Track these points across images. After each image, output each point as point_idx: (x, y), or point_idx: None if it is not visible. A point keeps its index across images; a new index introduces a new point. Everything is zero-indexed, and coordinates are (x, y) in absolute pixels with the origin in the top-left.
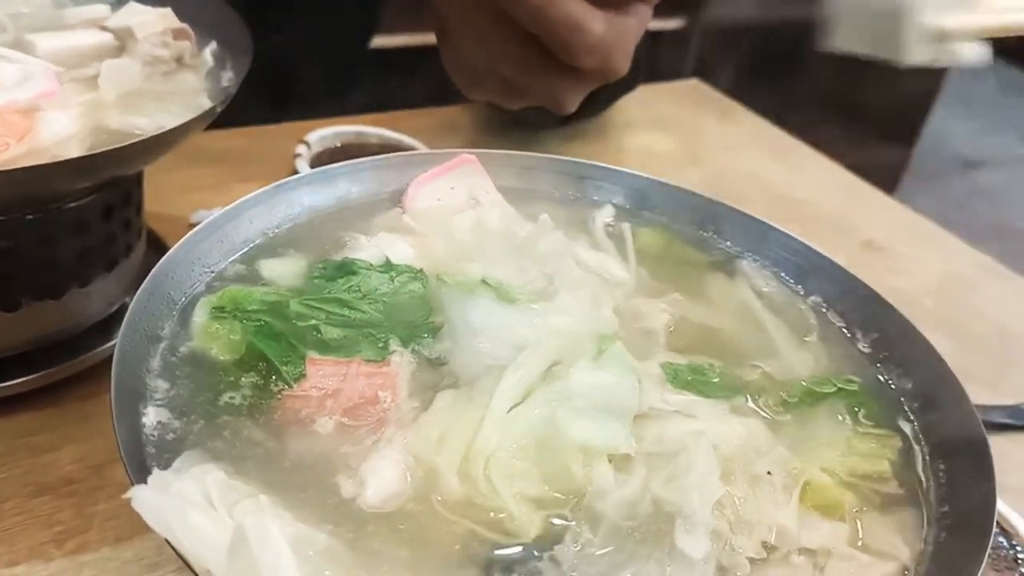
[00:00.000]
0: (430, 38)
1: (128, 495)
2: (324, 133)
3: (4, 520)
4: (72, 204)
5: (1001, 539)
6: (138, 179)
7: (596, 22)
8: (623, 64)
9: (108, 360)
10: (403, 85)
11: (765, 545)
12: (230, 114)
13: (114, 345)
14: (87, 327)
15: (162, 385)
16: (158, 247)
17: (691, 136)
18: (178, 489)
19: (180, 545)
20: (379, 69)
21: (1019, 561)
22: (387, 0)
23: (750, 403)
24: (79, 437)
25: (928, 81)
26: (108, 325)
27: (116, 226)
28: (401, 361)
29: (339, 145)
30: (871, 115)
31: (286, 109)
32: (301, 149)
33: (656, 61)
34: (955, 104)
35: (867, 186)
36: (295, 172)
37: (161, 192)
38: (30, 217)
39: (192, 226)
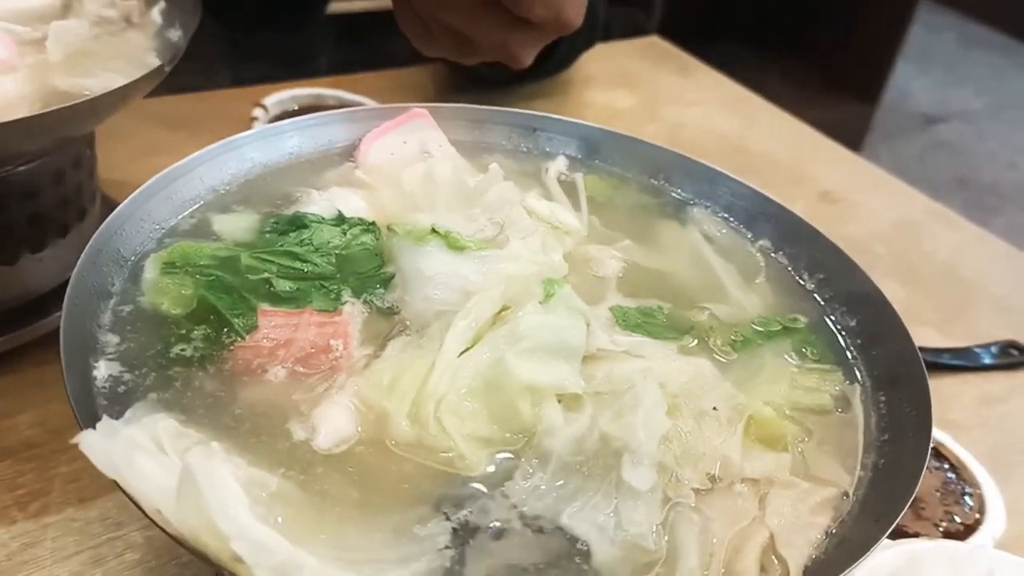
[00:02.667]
0: (386, 2)
1: (76, 439)
2: (281, 96)
3: None
4: (21, 167)
5: (950, 474)
6: (89, 142)
7: None
8: (576, 16)
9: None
10: (361, 49)
11: (710, 476)
12: (187, 79)
13: None
14: (42, 293)
15: (113, 339)
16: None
17: (651, 92)
18: (127, 435)
19: (128, 486)
20: (337, 34)
21: (967, 494)
22: None
23: (698, 343)
24: (38, 402)
25: (889, 36)
26: (63, 291)
27: (68, 190)
28: (353, 311)
29: (296, 108)
30: (833, 72)
31: (243, 75)
32: (258, 112)
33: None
34: (915, 60)
35: (825, 139)
36: None
37: (116, 158)
38: None
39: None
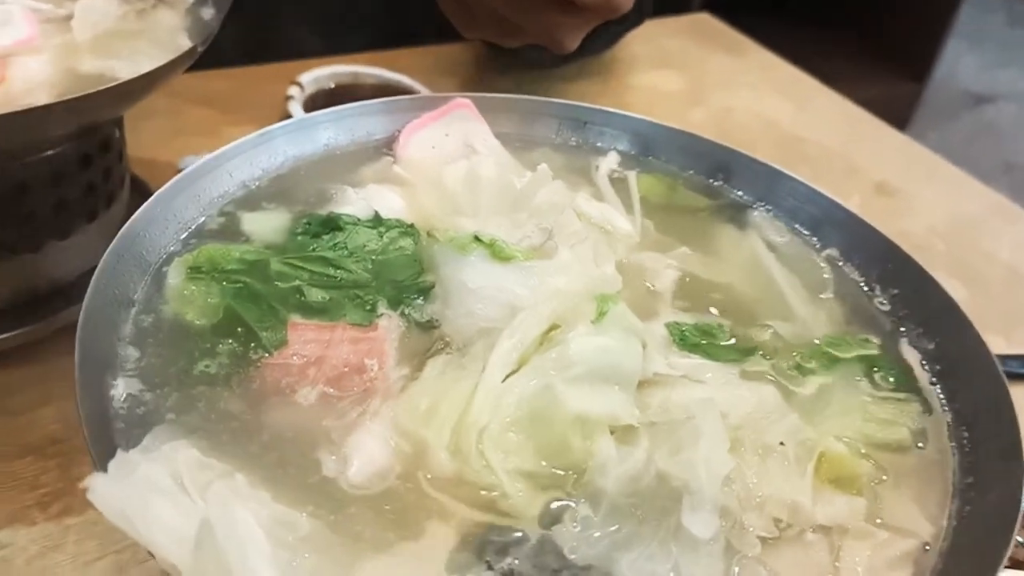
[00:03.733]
0: None
1: (85, 484)
2: (318, 74)
3: None
4: (47, 153)
5: None
6: (117, 125)
7: None
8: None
9: None
10: (402, 23)
11: (777, 522)
12: (218, 54)
13: None
14: (69, 281)
15: (133, 353)
16: (145, 194)
17: (698, 73)
18: (143, 474)
19: (142, 539)
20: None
21: None
22: None
23: (761, 367)
24: (62, 395)
25: (939, 14)
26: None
27: (95, 175)
28: (389, 325)
29: (333, 86)
30: (883, 49)
31: (278, 50)
32: (293, 91)
33: None
34: (965, 38)
35: (878, 122)
36: (287, 115)
37: (146, 138)
38: (2, 168)
39: (180, 172)
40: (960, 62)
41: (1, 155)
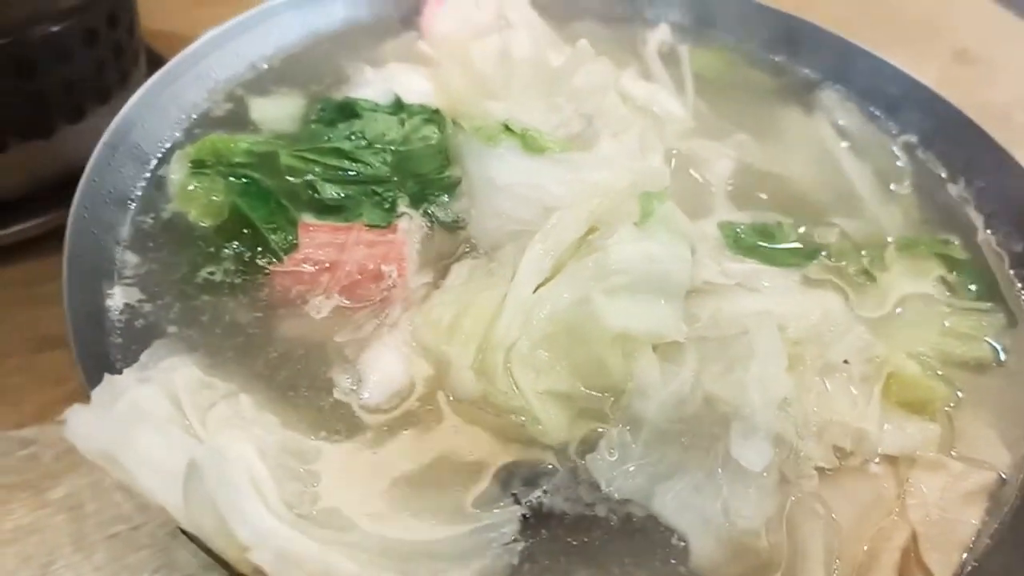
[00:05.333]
0: None
1: (62, 418)
2: None
3: (8, 378)
4: (51, 29)
5: None
6: None
7: None
8: None
9: None
10: None
11: (838, 452)
12: None
13: None
14: (80, 170)
15: (132, 259)
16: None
17: None
18: (132, 401)
19: (127, 480)
20: None
21: None
22: None
23: (826, 273)
24: None
25: None
26: None
27: (104, 52)
28: (410, 226)
29: None
30: None
31: None
32: None
33: None
34: None
35: None
36: None
37: (163, 7)
38: (4, 46)
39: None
40: None
41: (2, 30)
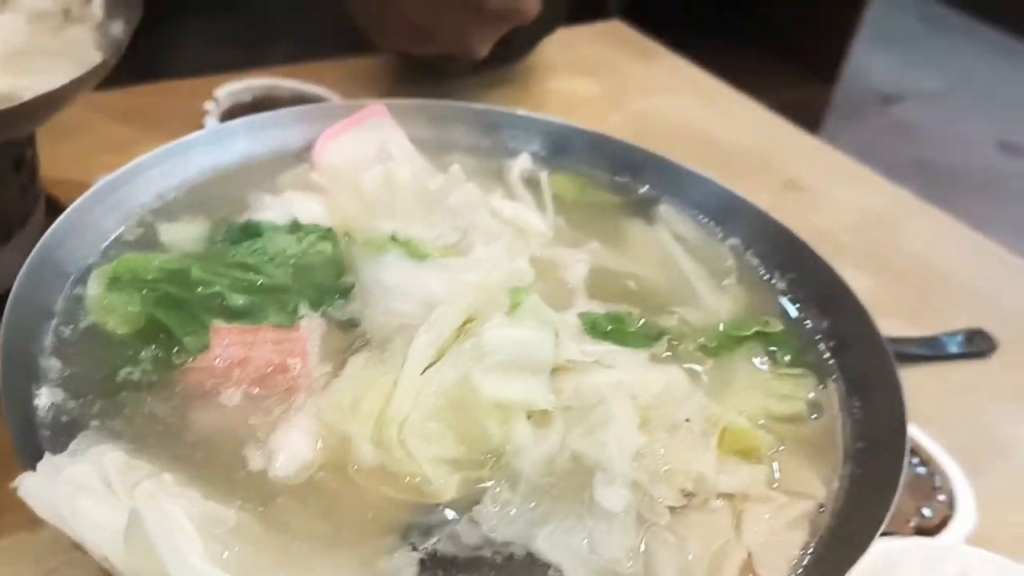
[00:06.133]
0: None
1: (16, 483)
2: (234, 88)
3: None
4: None
5: (920, 468)
6: (30, 142)
7: None
8: (532, 5)
9: None
10: (318, 35)
11: (684, 493)
12: (134, 71)
13: None
14: None
15: (55, 364)
16: (58, 213)
17: (614, 79)
18: (70, 475)
19: (75, 534)
20: (292, 19)
21: (937, 488)
22: None
23: (669, 351)
24: None
25: (847, 14)
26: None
27: (8, 194)
28: (311, 325)
29: (250, 100)
30: (793, 52)
31: (194, 66)
32: (210, 106)
33: (578, 2)
34: (875, 38)
35: (789, 126)
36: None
37: (61, 156)
38: None
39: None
40: (871, 62)
41: None
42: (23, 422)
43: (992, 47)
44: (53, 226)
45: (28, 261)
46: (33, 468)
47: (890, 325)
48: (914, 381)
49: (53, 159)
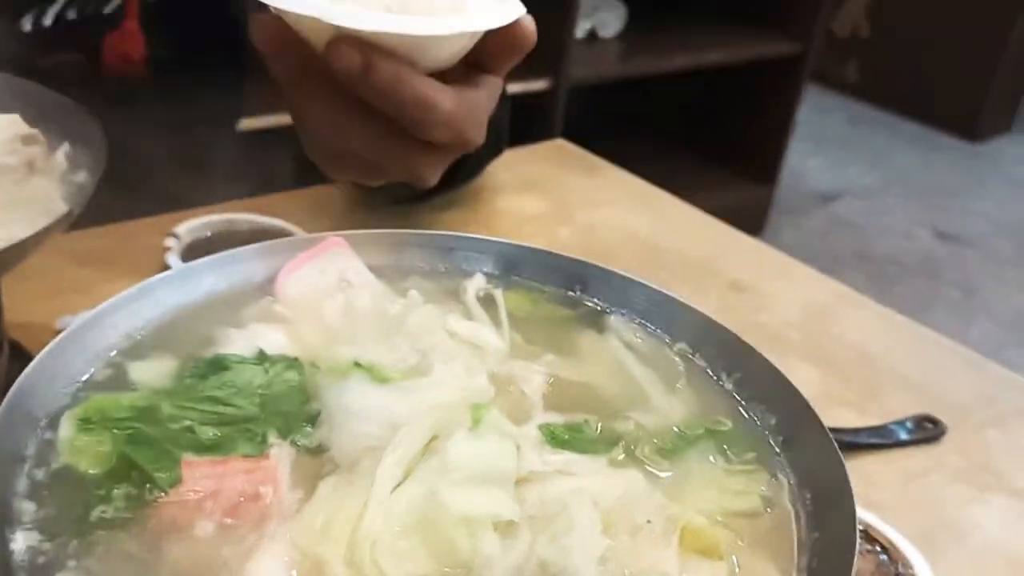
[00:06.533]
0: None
1: None
2: (193, 224)
3: None
4: None
5: (882, 555)
6: None
7: (445, 98)
8: (477, 135)
9: None
10: (274, 167)
11: None
12: (92, 213)
13: None
14: None
15: (29, 507)
16: (22, 357)
17: (560, 194)
18: None
19: None
20: (247, 152)
21: (900, 574)
22: (248, 80)
23: (626, 455)
24: None
25: (779, 119)
26: None
27: None
28: (280, 453)
29: (209, 235)
30: (731, 158)
31: (152, 203)
32: (171, 242)
33: (522, 122)
34: (807, 140)
35: (730, 229)
36: (166, 267)
37: (22, 299)
38: None
39: (59, 332)
40: (807, 163)
41: None
42: (1, 567)
43: (918, 141)
44: (23, 375)
45: None
46: None
47: (839, 416)
48: (868, 469)
49: (14, 302)
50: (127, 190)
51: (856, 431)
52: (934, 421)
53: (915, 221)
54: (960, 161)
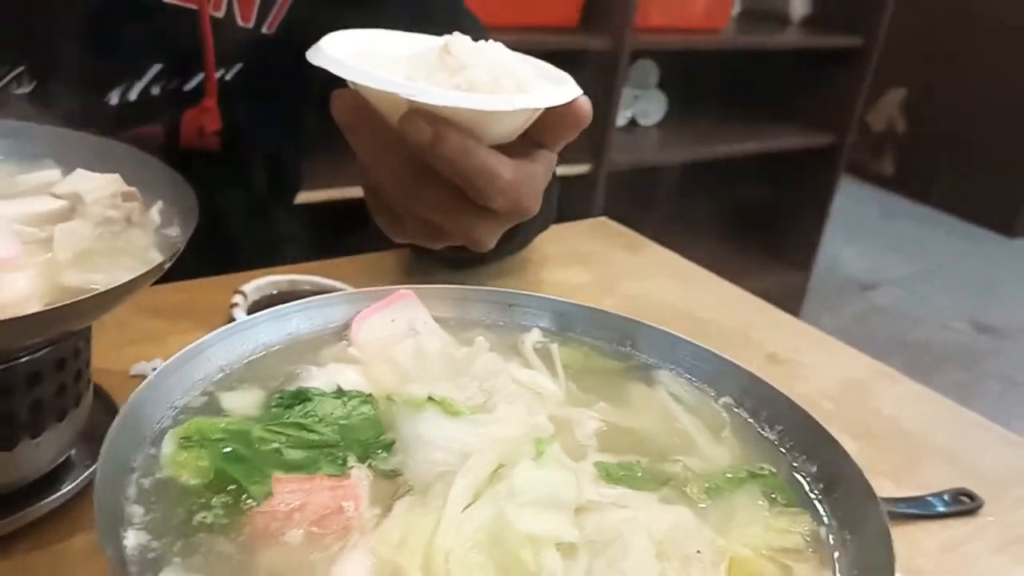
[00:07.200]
0: (351, 192)
1: None
2: (259, 283)
3: None
4: (26, 357)
5: None
6: (87, 332)
7: (506, 168)
8: (533, 204)
9: (53, 513)
10: (330, 236)
11: None
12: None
13: (60, 497)
14: (38, 478)
15: (138, 510)
16: (101, 398)
17: (603, 268)
18: None
19: None
20: (306, 223)
21: None
22: (307, 157)
23: (676, 493)
24: None
25: (815, 209)
26: (53, 477)
27: (67, 377)
28: (360, 475)
29: (275, 293)
30: (768, 243)
31: (218, 265)
32: (238, 299)
33: (567, 201)
34: (843, 229)
35: (768, 306)
36: (232, 320)
37: (100, 348)
38: None
39: (133, 378)
40: (842, 252)
41: None
42: (118, 559)
43: (954, 233)
44: (131, 398)
45: (113, 425)
46: None
47: (877, 485)
48: (907, 537)
49: (93, 351)
50: (196, 251)
51: (895, 500)
52: (971, 495)
53: (953, 312)
54: (997, 254)
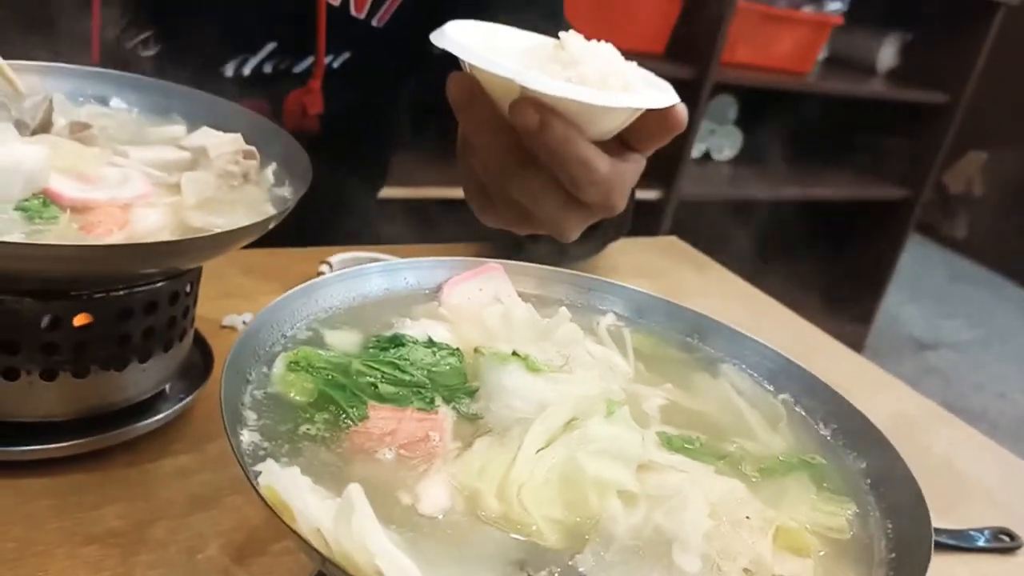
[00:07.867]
0: (426, 192)
1: (260, 467)
2: (345, 256)
3: (56, 563)
4: (146, 287)
5: None
6: (198, 273)
7: (603, 162)
8: (620, 201)
9: (148, 435)
10: (406, 232)
11: (746, 571)
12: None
13: (156, 422)
14: (139, 401)
15: (252, 415)
16: (197, 341)
17: (670, 283)
18: (287, 473)
19: (298, 510)
20: (385, 216)
21: None
22: (394, 153)
23: (731, 468)
24: (123, 498)
25: (881, 265)
26: (151, 403)
27: (178, 311)
28: (445, 412)
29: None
30: (830, 293)
31: (306, 241)
32: (324, 268)
33: (635, 224)
34: (907, 289)
35: (829, 338)
36: None
37: (200, 297)
38: (114, 294)
39: (223, 328)
40: (903, 310)
41: (118, 281)
42: (238, 448)
43: (1021, 304)
44: (254, 319)
45: (237, 341)
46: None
47: None
48: (944, 565)
49: None
50: (287, 229)
51: (937, 531)
52: (1011, 535)
53: (1012, 383)
54: None
